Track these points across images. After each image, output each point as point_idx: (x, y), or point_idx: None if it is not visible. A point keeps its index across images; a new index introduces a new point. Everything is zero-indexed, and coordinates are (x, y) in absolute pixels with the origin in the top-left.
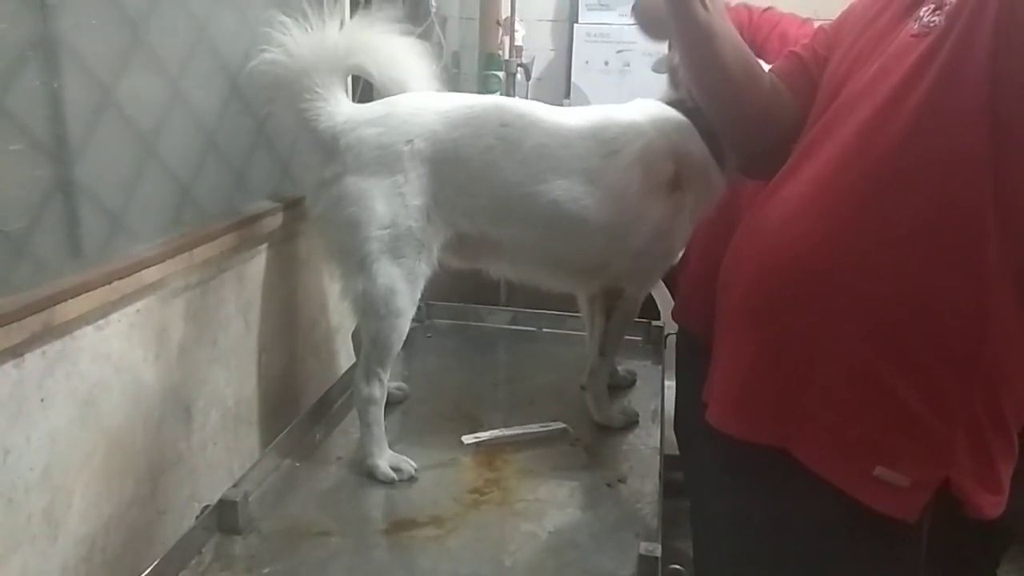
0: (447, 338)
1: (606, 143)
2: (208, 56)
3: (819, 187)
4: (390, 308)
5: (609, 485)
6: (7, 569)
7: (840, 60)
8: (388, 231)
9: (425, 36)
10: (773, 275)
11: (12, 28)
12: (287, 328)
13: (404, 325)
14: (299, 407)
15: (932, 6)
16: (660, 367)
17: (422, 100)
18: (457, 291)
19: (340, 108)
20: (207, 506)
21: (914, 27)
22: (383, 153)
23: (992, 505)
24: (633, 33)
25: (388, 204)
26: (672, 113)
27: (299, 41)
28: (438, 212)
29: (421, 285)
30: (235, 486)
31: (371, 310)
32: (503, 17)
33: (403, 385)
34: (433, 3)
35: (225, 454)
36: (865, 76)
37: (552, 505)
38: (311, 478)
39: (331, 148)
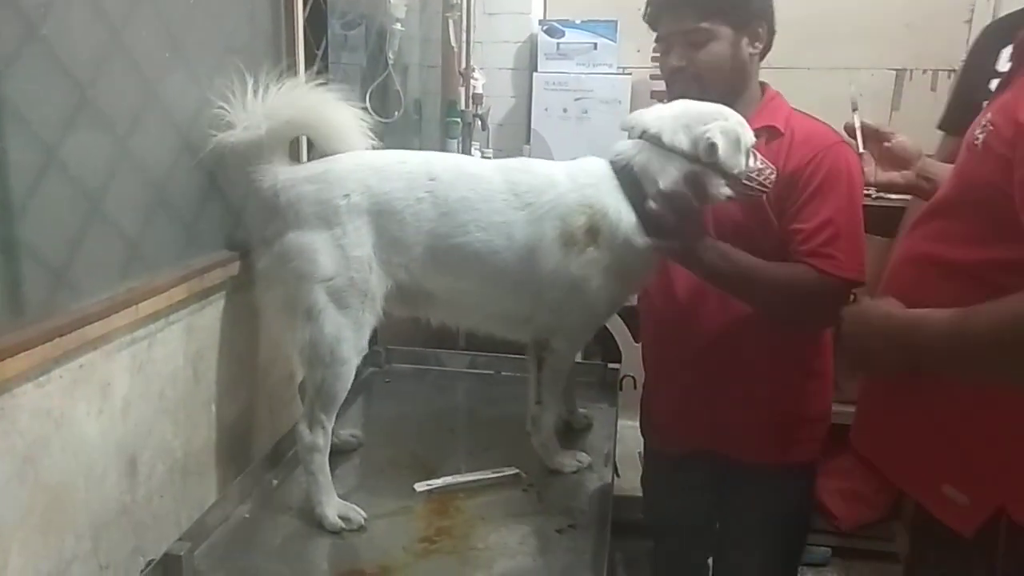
0: (406, 383)
1: (520, 196)
2: (158, 114)
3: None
4: (335, 356)
5: (559, 531)
6: None
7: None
8: (332, 282)
9: (383, 86)
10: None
11: None
12: (240, 378)
13: (349, 373)
14: (252, 457)
15: (983, 121)
16: (614, 409)
17: (358, 157)
18: (418, 336)
19: (281, 168)
20: (152, 560)
21: (973, 133)
22: (322, 208)
23: None
24: (591, 81)
25: (330, 256)
26: (597, 168)
27: (249, 110)
28: (378, 263)
29: (367, 333)
30: (181, 539)
31: (317, 359)
32: (463, 67)
33: (357, 432)
34: (391, 55)
35: (173, 506)
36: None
37: (502, 553)
38: (260, 529)
39: (272, 206)
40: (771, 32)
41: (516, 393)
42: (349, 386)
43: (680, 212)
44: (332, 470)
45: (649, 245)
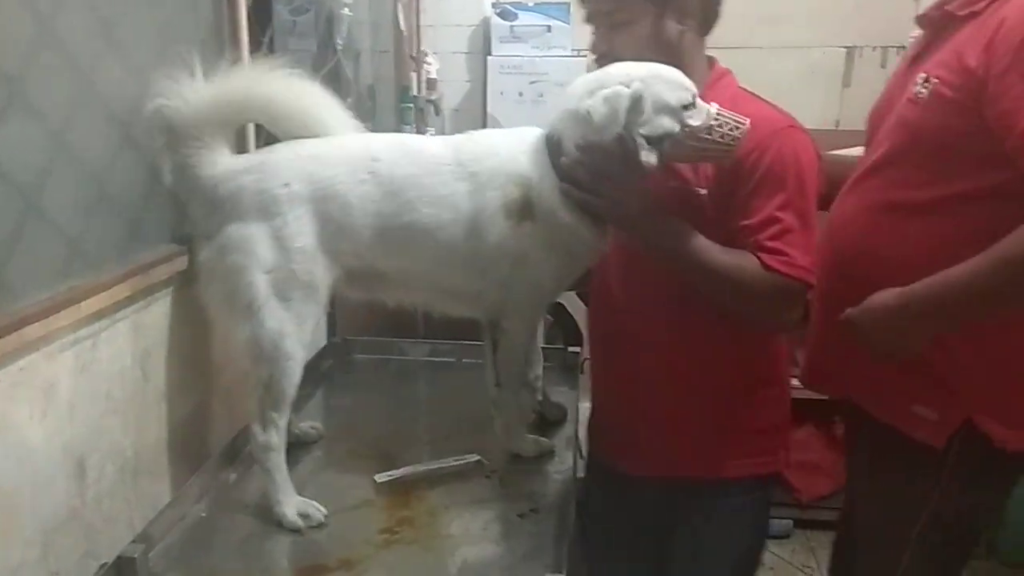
0: (366, 373)
1: (464, 164)
2: (95, 106)
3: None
4: (279, 351)
5: (521, 516)
6: None
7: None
8: (271, 275)
9: (334, 73)
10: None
11: None
12: (192, 375)
13: (295, 368)
14: (208, 454)
15: (923, 75)
16: (575, 392)
17: (297, 145)
18: (376, 325)
19: (222, 158)
20: (104, 564)
21: (911, 90)
22: (261, 198)
23: (1016, 439)
24: (545, 64)
25: (270, 248)
26: (532, 137)
27: (193, 91)
28: (323, 252)
29: (310, 326)
30: (135, 541)
31: (260, 355)
32: (415, 51)
33: (317, 424)
34: (339, 41)
35: (125, 508)
36: (884, 123)
37: (464, 540)
38: (218, 528)
39: (211, 198)
40: (708, 3)
41: (477, 381)
42: (297, 381)
43: (594, 168)
44: (291, 464)
45: (576, 218)
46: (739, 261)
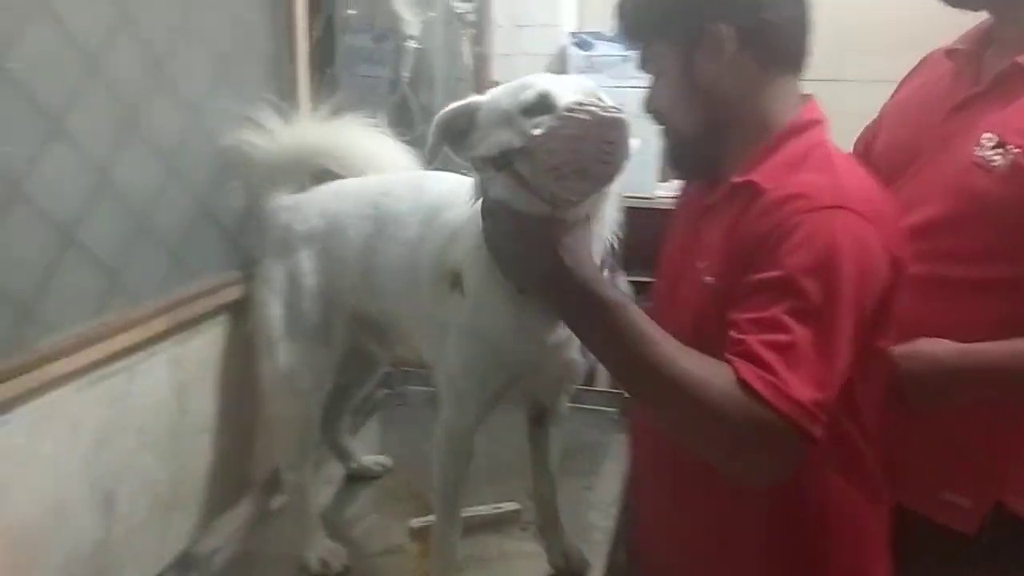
0: (416, 407)
1: (429, 210)
2: (140, 140)
3: None
4: (293, 388)
5: None
6: None
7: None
8: (286, 312)
9: (402, 103)
10: None
11: None
12: (232, 408)
13: (308, 407)
14: (244, 489)
15: (993, 138)
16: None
17: (339, 182)
18: None
19: (279, 196)
20: None
21: (975, 153)
22: (286, 234)
23: None
24: (621, 95)
25: (287, 285)
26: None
27: (269, 135)
28: (329, 291)
29: (327, 366)
30: (160, 575)
31: (275, 391)
32: (488, 81)
33: (382, 460)
34: (405, 73)
35: (156, 542)
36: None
37: None
38: (245, 565)
39: (260, 232)
40: (757, 28)
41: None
42: (315, 419)
43: (493, 222)
44: (335, 500)
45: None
46: (705, 369)
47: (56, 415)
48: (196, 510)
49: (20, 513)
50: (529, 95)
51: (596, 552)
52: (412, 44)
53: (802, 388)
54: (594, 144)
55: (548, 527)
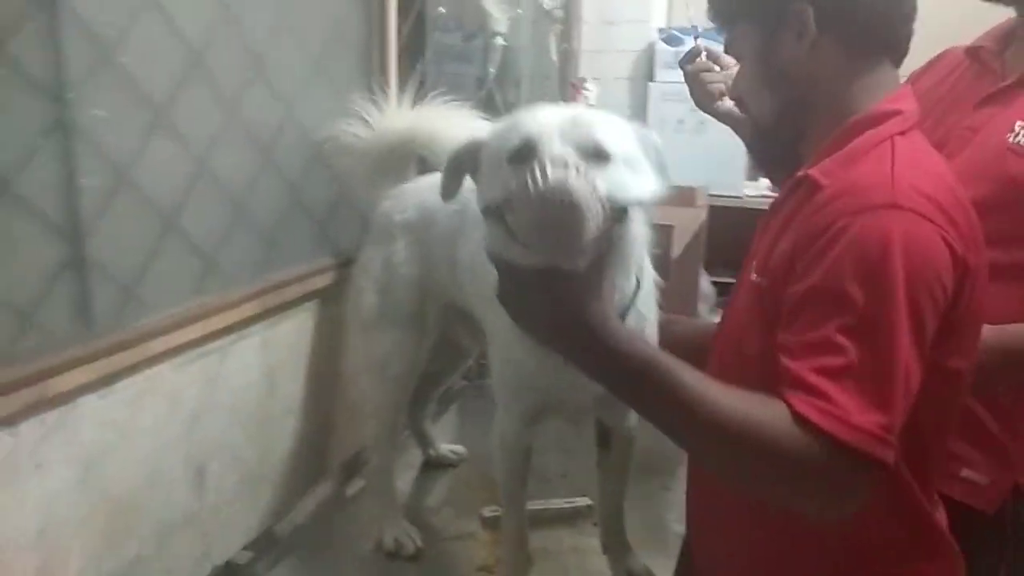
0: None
1: None
2: (239, 132)
3: None
4: (384, 373)
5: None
6: None
7: None
8: (381, 299)
9: (488, 99)
10: None
11: (28, 117)
12: (320, 391)
13: (398, 391)
14: (328, 469)
15: None
16: None
17: (435, 175)
18: None
19: (383, 185)
20: (215, 567)
21: (1009, 140)
22: (386, 223)
23: None
24: None
25: (384, 272)
26: None
27: (379, 121)
28: (426, 280)
29: (419, 353)
30: (245, 548)
31: (368, 374)
32: (577, 77)
33: (457, 448)
34: (492, 69)
35: (243, 514)
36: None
37: None
38: (327, 542)
39: (365, 221)
40: (839, 9)
41: None
42: (404, 405)
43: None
44: (413, 485)
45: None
46: (757, 410)
47: (155, 390)
48: (280, 489)
49: (120, 481)
50: (513, 140)
51: (668, 555)
52: (499, 41)
53: (864, 413)
54: (536, 217)
55: (613, 544)
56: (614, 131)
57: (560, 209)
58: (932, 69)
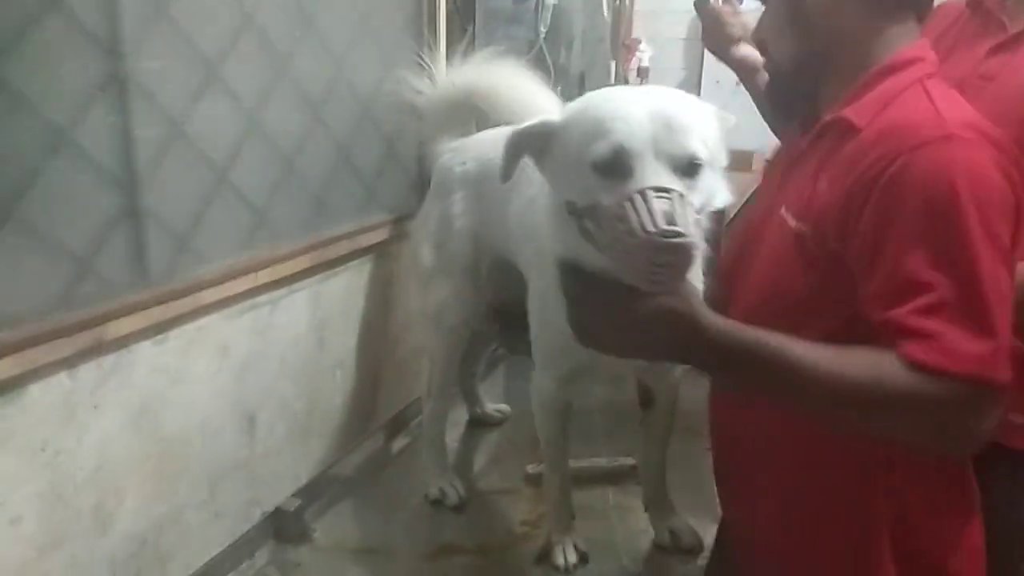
0: None
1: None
2: (289, 89)
3: None
4: (441, 324)
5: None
6: (54, 558)
7: None
8: (438, 251)
9: (540, 59)
10: None
11: (85, 70)
12: (368, 346)
13: (455, 342)
14: (377, 422)
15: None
16: None
17: (501, 128)
18: None
19: (443, 140)
20: (264, 512)
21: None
22: (445, 176)
23: None
24: None
25: (440, 225)
26: None
27: (431, 82)
28: (480, 234)
29: (473, 305)
30: (294, 495)
31: (425, 325)
32: (631, 38)
33: (502, 408)
34: (542, 28)
35: (292, 463)
36: None
37: (600, 550)
38: (373, 493)
39: (427, 174)
40: None
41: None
42: (459, 355)
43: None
44: (460, 441)
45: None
46: (869, 367)
47: (207, 339)
48: (328, 440)
49: (172, 426)
50: (601, 147)
51: (710, 515)
52: (551, 1)
53: (971, 341)
54: (644, 259)
55: (655, 503)
56: (702, 128)
57: (670, 254)
58: (931, 21)
